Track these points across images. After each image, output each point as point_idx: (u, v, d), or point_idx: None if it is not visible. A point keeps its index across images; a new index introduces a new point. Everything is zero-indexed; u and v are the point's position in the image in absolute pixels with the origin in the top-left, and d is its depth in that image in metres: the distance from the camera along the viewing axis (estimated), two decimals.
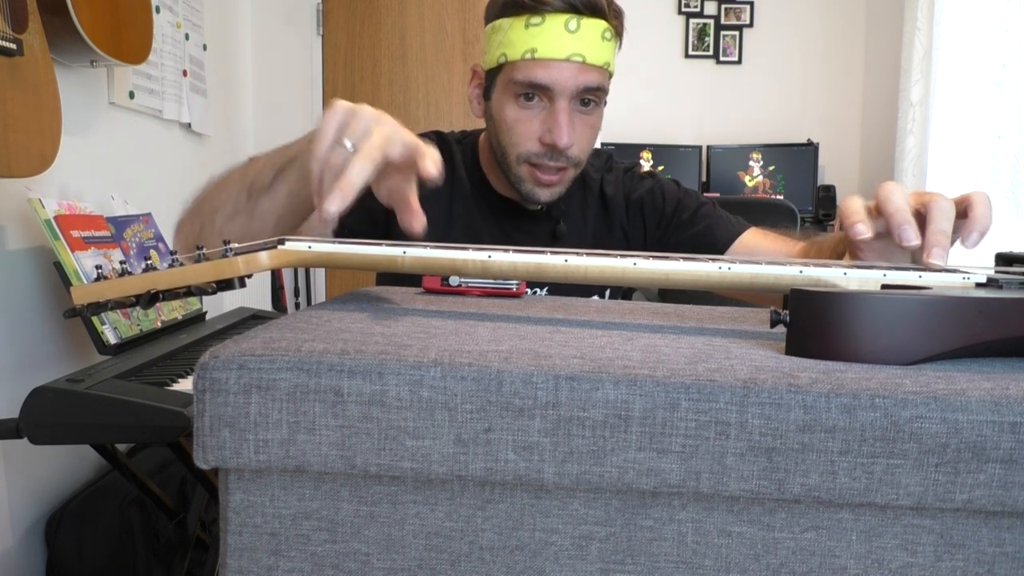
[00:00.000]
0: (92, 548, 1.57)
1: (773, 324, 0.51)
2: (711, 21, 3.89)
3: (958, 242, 0.66)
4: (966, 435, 0.42)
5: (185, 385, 1.34)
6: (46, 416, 1.20)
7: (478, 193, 1.11)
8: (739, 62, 3.90)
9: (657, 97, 3.88)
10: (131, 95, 2.03)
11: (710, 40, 3.89)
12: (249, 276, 0.58)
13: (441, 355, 0.45)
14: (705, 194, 1.39)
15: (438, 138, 1.15)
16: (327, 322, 0.54)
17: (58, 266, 1.49)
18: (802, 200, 3.53)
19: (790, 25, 3.88)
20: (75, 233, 1.53)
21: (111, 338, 1.50)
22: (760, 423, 0.42)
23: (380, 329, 0.52)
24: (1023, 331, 0.48)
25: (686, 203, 1.12)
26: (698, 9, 3.88)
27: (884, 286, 0.56)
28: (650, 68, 3.84)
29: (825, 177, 3.80)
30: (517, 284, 0.76)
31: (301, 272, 3.08)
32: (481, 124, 1.12)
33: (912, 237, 0.61)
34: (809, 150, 3.72)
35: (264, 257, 0.59)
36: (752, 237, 1.08)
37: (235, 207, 0.82)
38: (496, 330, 0.54)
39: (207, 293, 0.58)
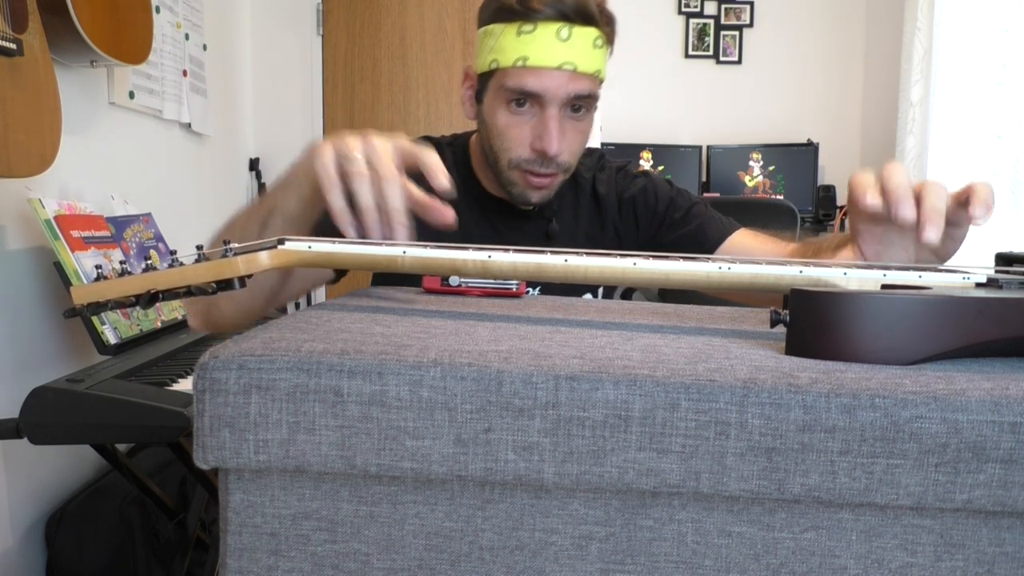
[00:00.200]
0: (92, 548, 1.57)
1: (773, 324, 0.51)
2: (711, 21, 3.89)
3: (963, 243, 0.67)
4: (966, 435, 0.42)
5: (185, 385, 1.34)
6: (46, 416, 1.20)
7: (470, 194, 1.11)
8: (739, 62, 3.90)
9: (657, 97, 3.88)
10: (131, 95, 2.03)
11: (710, 40, 3.89)
12: (249, 276, 0.58)
13: (441, 355, 0.45)
14: (705, 194, 1.40)
15: (428, 142, 1.15)
16: (327, 322, 0.54)
17: (58, 266, 1.49)
18: (802, 200, 3.53)
19: (790, 25, 3.88)
20: (75, 233, 1.53)
21: (111, 338, 1.51)
22: (760, 423, 0.42)
23: (380, 329, 0.52)
24: (1023, 331, 0.48)
25: (679, 202, 1.13)
26: (698, 9, 3.88)
27: (884, 286, 0.56)
28: (650, 68, 3.84)
29: (825, 177, 3.80)
30: (517, 284, 0.76)
31: None
32: (474, 125, 1.12)
33: (908, 212, 0.63)
34: (809, 150, 3.72)
35: (264, 257, 0.59)
36: (742, 238, 1.08)
37: None
38: (496, 330, 0.54)
39: (207, 293, 0.58)
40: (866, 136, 3.84)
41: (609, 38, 1.01)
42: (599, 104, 1.04)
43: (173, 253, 0.59)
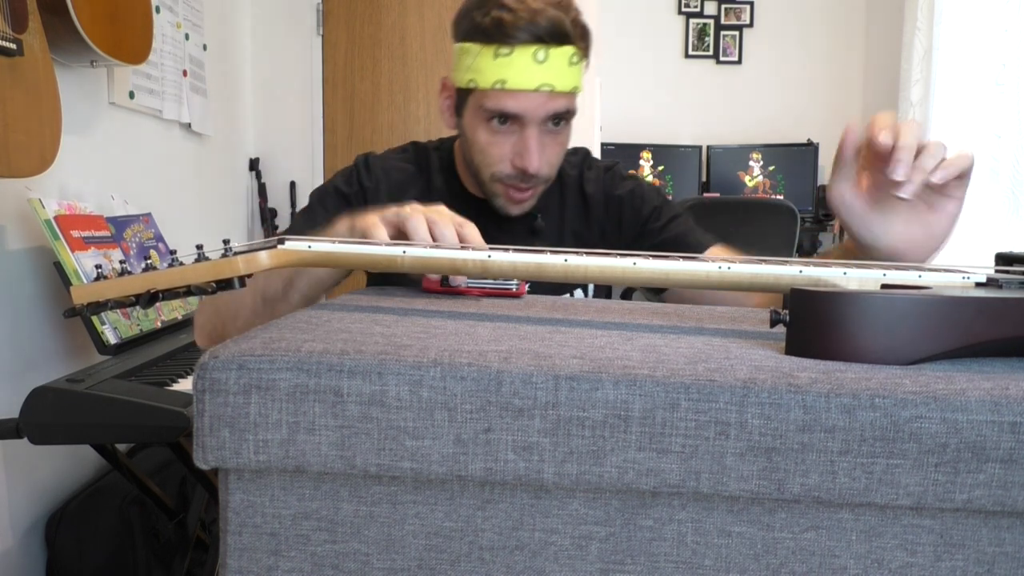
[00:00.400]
0: (92, 548, 1.57)
1: (773, 324, 0.51)
2: (711, 21, 3.89)
3: (956, 220, 0.74)
4: (966, 435, 0.42)
5: (185, 385, 1.34)
6: (46, 416, 1.20)
7: (456, 197, 1.12)
8: (739, 62, 3.90)
9: (657, 97, 3.88)
10: (131, 95, 2.03)
11: (710, 40, 3.89)
12: (249, 276, 0.58)
13: (441, 355, 0.45)
14: (705, 194, 1.40)
15: (415, 148, 1.17)
16: (327, 322, 0.54)
17: (58, 266, 1.49)
18: (802, 200, 3.53)
19: (790, 25, 3.88)
20: (75, 233, 1.53)
21: (111, 338, 1.51)
22: (760, 423, 0.42)
23: (380, 329, 0.52)
24: (1023, 331, 0.48)
25: (664, 211, 1.14)
26: (698, 9, 3.89)
27: (884, 286, 0.56)
28: (650, 68, 3.84)
29: (825, 177, 3.79)
30: (517, 284, 0.76)
31: None
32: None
33: (901, 173, 0.68)
34: (809, 150, 3.72)
35: (264, 257, 0.59)
36: (718, 251, 1.09)
37: (253, 312, 0.91)
38: (496, 330, 0.54)
39: (207, 293, 0.58)
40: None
41: (585, 52, 1.03)
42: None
43: (173, 253, 0.59)
